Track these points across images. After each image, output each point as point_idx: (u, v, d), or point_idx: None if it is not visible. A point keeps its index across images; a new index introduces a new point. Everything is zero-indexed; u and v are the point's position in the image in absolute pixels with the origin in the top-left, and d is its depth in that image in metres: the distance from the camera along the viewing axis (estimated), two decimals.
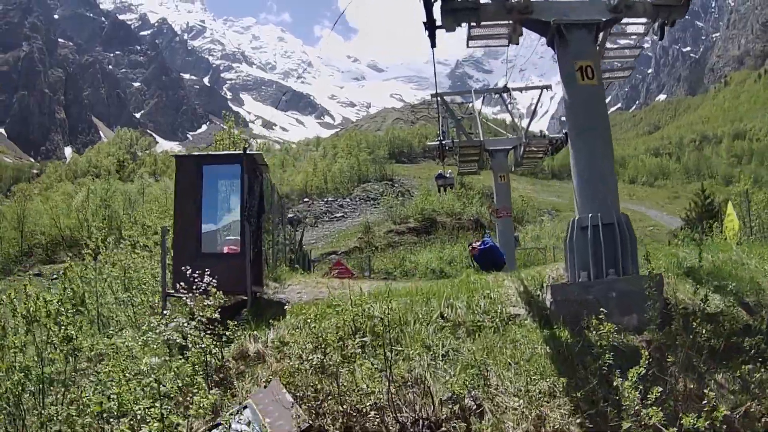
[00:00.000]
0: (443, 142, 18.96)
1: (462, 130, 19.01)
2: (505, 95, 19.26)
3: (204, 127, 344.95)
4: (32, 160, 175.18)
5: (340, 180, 56.98)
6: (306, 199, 50.36)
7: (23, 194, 48.05)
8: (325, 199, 50.40)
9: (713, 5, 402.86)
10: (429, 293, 7.16)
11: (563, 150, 18.81)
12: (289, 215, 45.02)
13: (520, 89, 21.69)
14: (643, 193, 74.42)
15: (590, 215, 6.84)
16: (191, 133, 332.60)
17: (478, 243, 14.35)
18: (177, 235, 8.68)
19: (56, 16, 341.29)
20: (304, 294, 9.54)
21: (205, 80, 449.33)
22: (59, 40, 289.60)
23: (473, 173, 24.27)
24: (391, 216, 36.36)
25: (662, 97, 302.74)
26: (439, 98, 17.75)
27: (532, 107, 20.57)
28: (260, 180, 9.14)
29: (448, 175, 23.45)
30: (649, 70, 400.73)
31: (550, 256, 27.26)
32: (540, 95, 19.32)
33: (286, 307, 8.26)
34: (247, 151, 9.28)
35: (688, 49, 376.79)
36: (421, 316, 6.50)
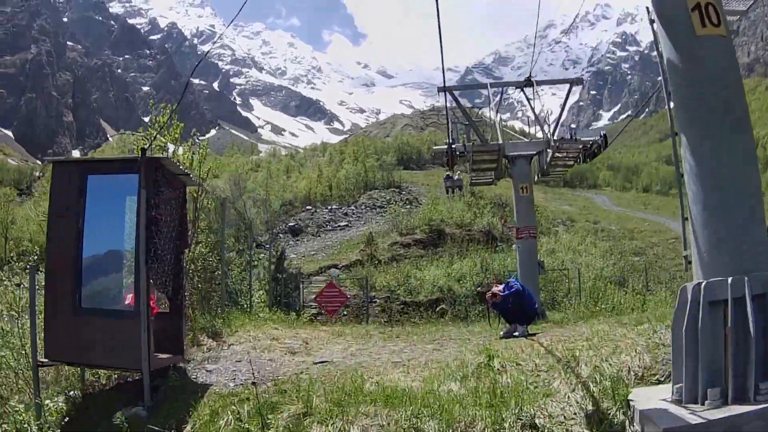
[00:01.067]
0: (453, 146, 15.63)
1: (476, 130, 15.55)
2: (527, 90, 15.82)
3: (213, 132, 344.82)
4: (39, 162, 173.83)
5: (345, 187, 54.29)
6: (309, 207, 47.59)
7: (6, 199, 45.81)
8: (329, 207, 47.59)
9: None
10: (422, 401, 4.19)
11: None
12: (291, 224, 42.35)
13: (546, 82, 18.47)
14: (658, 202, 71.40)
15: (730, 281, 3.76)
16: (200, 138, 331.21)
17: (500, 287, 10.87)
18: (48, 280, 5.78)
19: (65, 20, 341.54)
20: (243, 365, 6.54)
21: (215, 85, 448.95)
22: (68, 43, 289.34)
23: (488, 184, 20.39)
24: (396, 226, 33.39)
25: (673, 104, 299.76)
26: (447, 93, 14.20)
27: (543, 114, 17.47)
28: (178, 197, 6.28)
29: (456, 177, 20.42)
30: (659, 78, 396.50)
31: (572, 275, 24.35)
32: (570, 90, 16.06)
33: (204, 395, 5.39)
34: (153, 155, 6.15)
35: None
36: None
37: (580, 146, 14.98)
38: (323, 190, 54.12)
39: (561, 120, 15.51)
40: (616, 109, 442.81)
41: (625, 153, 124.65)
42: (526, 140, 17.37)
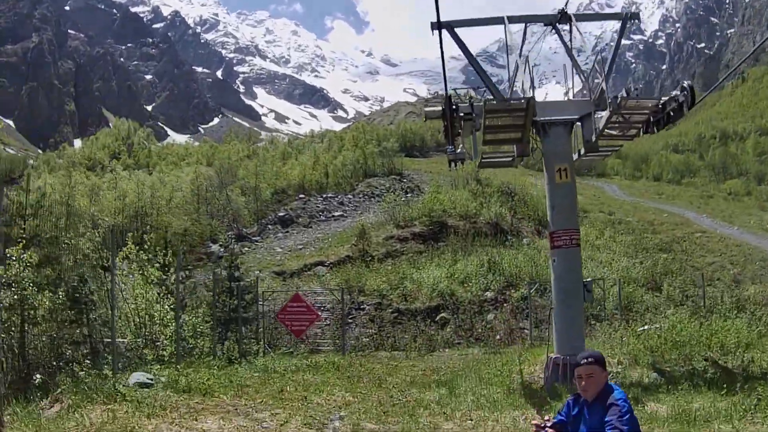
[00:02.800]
0: (455, 106, 10.73)
1: (486, 81, 10.61)
2: (562, 26, 11.18)
3: (216, 120, 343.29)
4: (40, 152, 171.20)
5: (342, 174, 51.19)
6: (302, 196, 44.26)
7: None
8: (324, 195, 44.20)
9: (728, 1, 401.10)
10: None
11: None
12: (281, 213, 39.12)
13: (589, 17, 14.00)
14: (671, 191, 68.25)
15: None
16: (203, 126, 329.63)
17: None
18: None
19: (67, 8, 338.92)
20: None
21: (218, 73, 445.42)
22: (69, 31, 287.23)
23: (506, 165, 13.58)
24: (393, 218, 29.92)
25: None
26: (445, 30, 9.78)
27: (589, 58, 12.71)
28: None
29: (459, 150, 16.53)
30: (663, 66, 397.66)
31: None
32: (623, 27, 11.66)
33: None
34: None
35: (703, 45, 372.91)
36: None
37: (651, 105, 10.10)
38: (319, 177, 51.01)
39: (613, 66, 10.76)
40: None
41: (633, 142, 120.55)
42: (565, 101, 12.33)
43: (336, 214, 39.87)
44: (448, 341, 17.37)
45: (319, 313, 16.25)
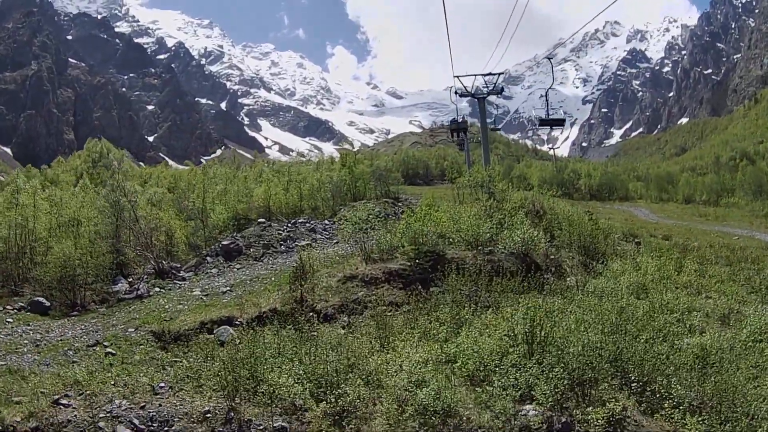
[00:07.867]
0: None
1: None
2: None
3: (219, 152, 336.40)
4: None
5: (322, 197, 40.76)
6: (261, 221, 33.58)
7: None
8: (293, 221, 33.51)
9: (733, 26, 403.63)
10: None
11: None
12: (225, 241, 28.55)
13: None
14: (713, 212, 58.06)
15: None
16: (205, 157, 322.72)
17: None
18: None
19: (69, 37, 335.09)
20: None
21: (222, 105, 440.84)
22: (70, 60, 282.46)
23: None
24: (360, 246, 19.13)
25: (684, 120, 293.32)
26: None
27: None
28: None
29: (461, 119, 6.51)
30: (671, 94, 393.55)
31: None
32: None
33: None
34: None
35: (709, 71, 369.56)
36: None
37: None
38: (291, 200, 40.49)
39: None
40: (627, 126, 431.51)
41: (651, 165, 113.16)
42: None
43: (302, 243, 29.00)
44: None
45: None
